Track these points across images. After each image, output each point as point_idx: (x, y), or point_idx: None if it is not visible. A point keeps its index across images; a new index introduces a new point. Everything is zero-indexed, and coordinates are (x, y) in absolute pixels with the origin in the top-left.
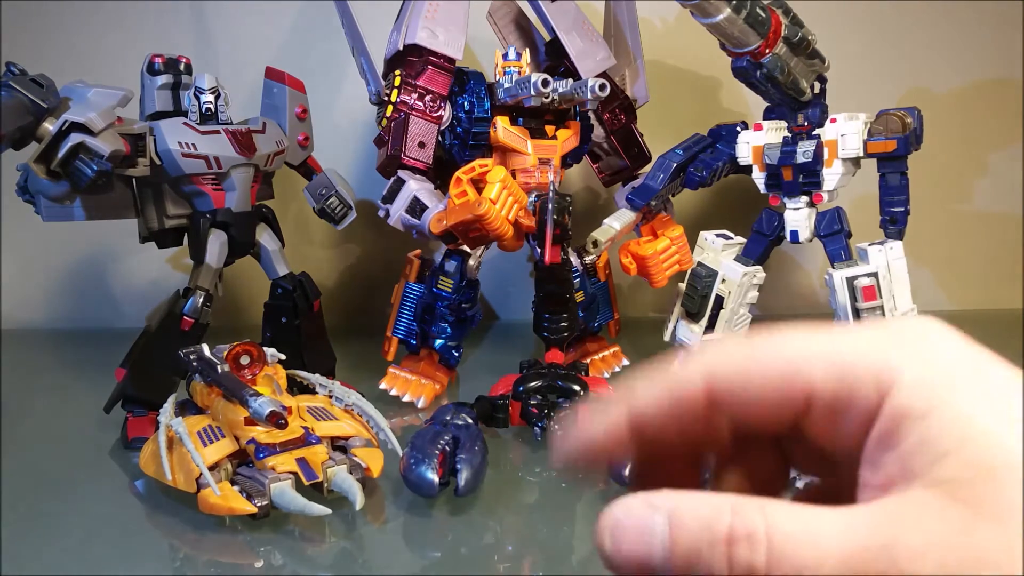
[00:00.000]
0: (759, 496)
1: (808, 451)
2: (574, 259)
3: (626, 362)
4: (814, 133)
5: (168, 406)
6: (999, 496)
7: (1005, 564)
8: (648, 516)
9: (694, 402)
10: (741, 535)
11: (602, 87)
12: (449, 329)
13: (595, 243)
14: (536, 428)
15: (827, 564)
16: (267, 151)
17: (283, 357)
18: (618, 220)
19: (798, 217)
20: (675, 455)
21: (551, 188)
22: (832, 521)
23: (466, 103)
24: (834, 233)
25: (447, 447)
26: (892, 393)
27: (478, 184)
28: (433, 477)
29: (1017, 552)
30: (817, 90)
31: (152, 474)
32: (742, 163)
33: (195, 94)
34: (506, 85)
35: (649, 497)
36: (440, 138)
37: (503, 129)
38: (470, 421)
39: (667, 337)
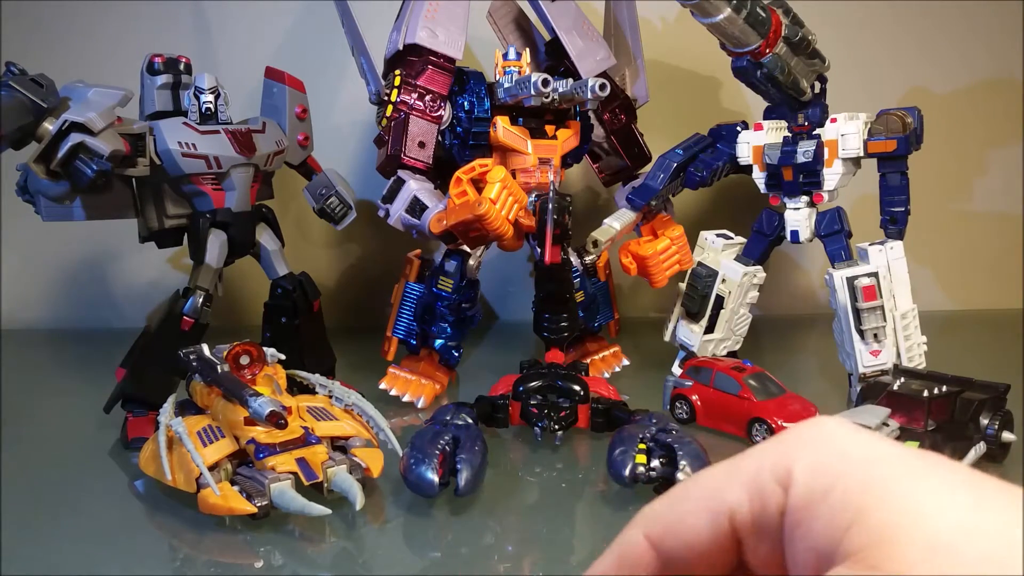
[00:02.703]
0: None
1: None
2: (574, 259)
3: (626, 362)
4: (814, 133)
5: (168, 406)
6: (897, 555)
7: None
8: None
9: (643, 559)
10: None
11: (602, 87)
12: (449, 329)
13: (595, 243)
14: (536, 428)
15: None
16: (267, 151)
17: (283, 357)
18: (618, 220)
19: (798, 217)
20: None
21: (551, 188)
22: None
23: (466, 103)
24: (834, 233)
25: (447, 447)
26: (792, 485)
27: (478, 184)
28: (433, 477)
29: None
30: (817, 90)
31: (152, 474)
32: (742, 163)
33: (195, 94)
34: (506, 85)
35: None
36: (440, 138)
37: (503, 129)
38: (470, 421)
39: (667, 337)
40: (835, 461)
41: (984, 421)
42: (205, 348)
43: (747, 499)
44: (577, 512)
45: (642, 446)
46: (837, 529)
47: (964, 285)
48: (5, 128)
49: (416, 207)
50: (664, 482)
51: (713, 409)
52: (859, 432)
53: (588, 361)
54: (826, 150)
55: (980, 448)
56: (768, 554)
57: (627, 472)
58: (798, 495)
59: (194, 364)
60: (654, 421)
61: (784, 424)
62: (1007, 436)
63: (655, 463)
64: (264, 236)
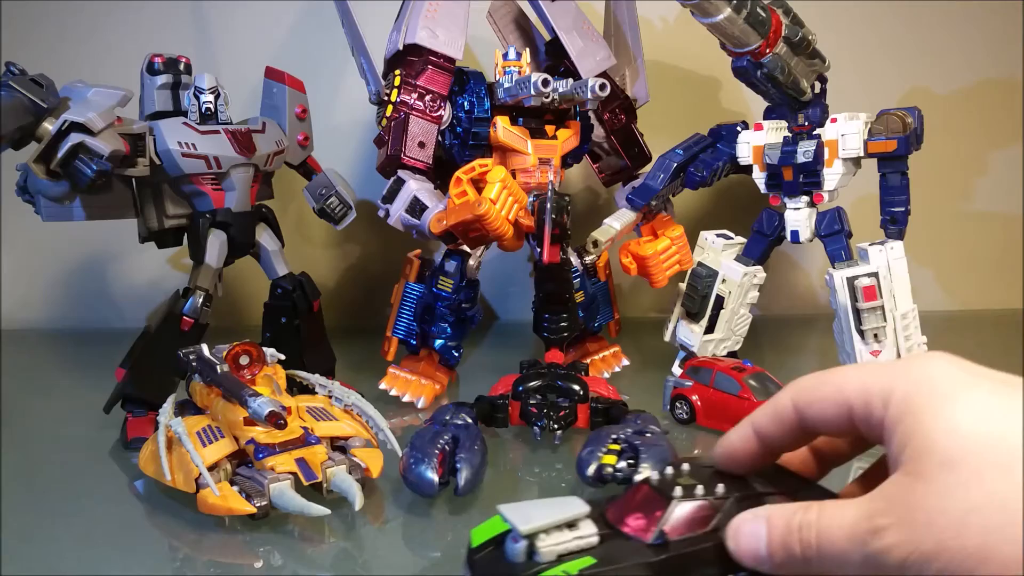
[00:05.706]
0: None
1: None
2: (574, 259)
3: (626, 362)
4: (814, 133)
5: (168, 406)
6: (928, 466)
7: (928, 506)
8: (754, 523)
9: (789, 416)
10: (804, 524)
11: (602, 87)
12: (449, 329)
13: (595, 243)
14: (536, 428)
15: (844, 533)
16: (267, 151)
17: (283, 357)
18: (618, 220)
19: (798, 217)
20: (790, 454)
21: (549, 187)
22: (849, 507)
23: (466, 103)
24: (835, 233)
25: (447, 447)
26: (888, 406)
27: (478, 184)
28: (433, 477)
29: (934, 496)
30: (817, 90)
31: (152, 474)
32: (742, 163)
33: (195, 94)
34: (506, 85)
35: (754, 511)
36: (440, 138)
37: (503, 129)
38: (470, 421)
39: (667, 337)
40: (919, 396)
41: None
42: (205, 348)
43: (861, 404)
44: None
45: (615, 447)
46: (901, 446)
47: (964, 285)
48: (5, 128)
49: (416, 207)
50: (628, 482)
51: (713, 409)
52: (955, 375)
53: (588, 361)
54: (826, 150)
55: None
56: (876, 438)
57: (590, 472)
58: (890, 415)
59: (194, 364)
60: (638, 422)
61: None
62: None
63: (622, 464)
64: (264, 236)
